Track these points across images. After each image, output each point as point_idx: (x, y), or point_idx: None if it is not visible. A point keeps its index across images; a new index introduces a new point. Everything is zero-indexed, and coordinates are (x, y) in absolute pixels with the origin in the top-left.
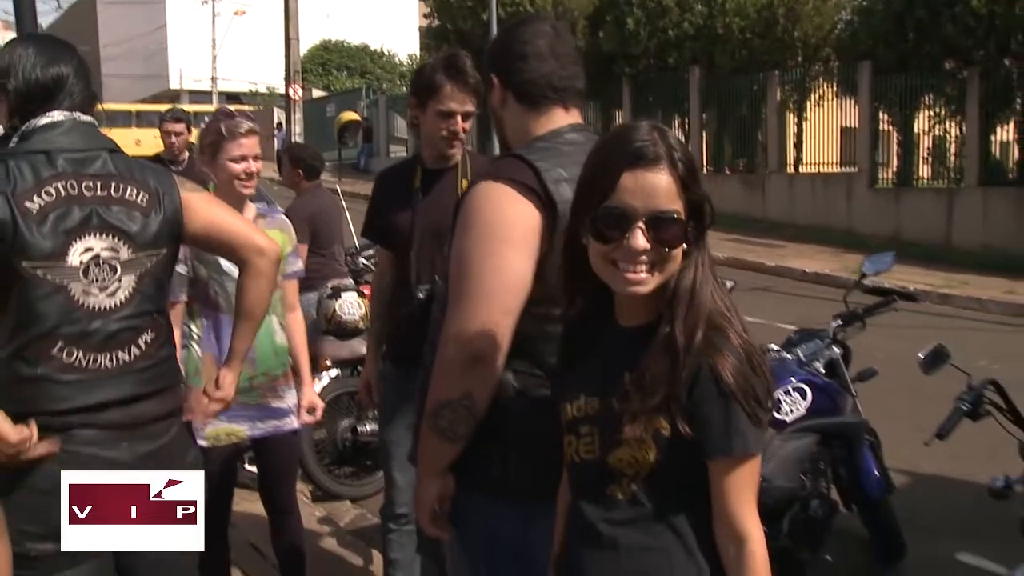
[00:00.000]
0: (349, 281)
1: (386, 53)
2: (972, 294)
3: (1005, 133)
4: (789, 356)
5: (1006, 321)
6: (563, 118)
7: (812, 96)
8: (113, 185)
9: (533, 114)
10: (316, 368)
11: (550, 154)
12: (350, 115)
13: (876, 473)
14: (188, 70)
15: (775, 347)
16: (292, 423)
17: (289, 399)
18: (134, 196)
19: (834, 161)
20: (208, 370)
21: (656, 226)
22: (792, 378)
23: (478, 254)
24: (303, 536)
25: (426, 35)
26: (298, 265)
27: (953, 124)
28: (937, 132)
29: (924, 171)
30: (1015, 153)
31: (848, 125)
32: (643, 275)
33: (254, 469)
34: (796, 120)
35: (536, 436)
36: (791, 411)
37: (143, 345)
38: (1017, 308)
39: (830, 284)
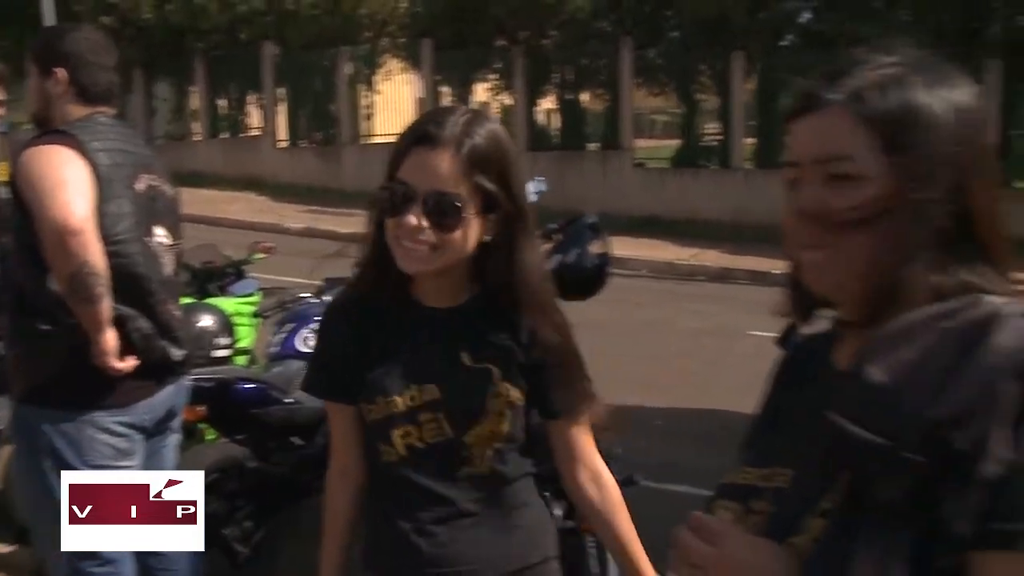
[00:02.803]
0: None
1: None
2: None
3: (548, 103)
4: (318, 300)
5: None
6: (100, 110)
7: (381, 71)
8: None
9: (83, 107)
10: None
11: (87, 130)
12: None
13: None
14: None
15: (308, 294)
16: None
17: None
18: None
19: None
20: None
21: (435, 207)
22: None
23: (46, 170)
24: None
25: None
26: None
27: (506, 96)
28: (495, 104)
29: None
30: (557, 121)
31: (422, 97)
32: (422, 253)
33: None
34: (368, 93)
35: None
36: None
37: None
38: None
39: None
